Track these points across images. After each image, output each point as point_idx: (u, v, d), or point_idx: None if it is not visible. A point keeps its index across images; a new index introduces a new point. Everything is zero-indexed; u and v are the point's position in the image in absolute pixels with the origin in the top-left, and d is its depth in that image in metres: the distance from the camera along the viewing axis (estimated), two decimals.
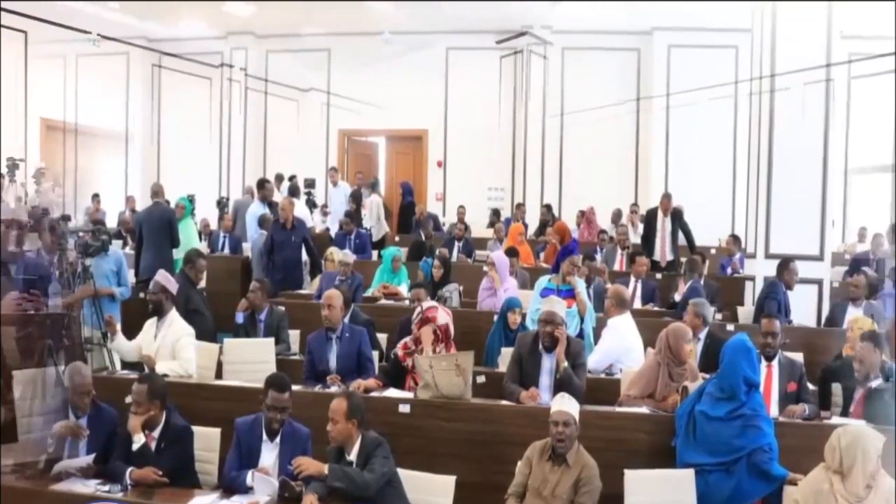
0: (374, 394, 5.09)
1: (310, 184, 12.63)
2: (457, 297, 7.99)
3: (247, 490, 4.00)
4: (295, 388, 4.47)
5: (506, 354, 5.78)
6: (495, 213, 12.83)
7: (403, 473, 4.08)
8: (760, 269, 8.41)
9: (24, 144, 12.80)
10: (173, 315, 5.72)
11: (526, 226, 11.88)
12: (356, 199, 11.44)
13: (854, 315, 6.86)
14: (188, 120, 14.78)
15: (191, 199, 10.45)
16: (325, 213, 12.50)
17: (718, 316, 7.67)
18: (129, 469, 4.06)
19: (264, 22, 13.54)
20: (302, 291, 8.80)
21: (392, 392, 5.20)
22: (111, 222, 12.12)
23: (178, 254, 8.30)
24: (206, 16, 13.37)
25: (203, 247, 10.72)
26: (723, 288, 8.65)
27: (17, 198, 9.48)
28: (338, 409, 4.01)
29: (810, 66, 8.05)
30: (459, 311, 6.89)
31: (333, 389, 5.11)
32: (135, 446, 4.17)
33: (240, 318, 6.78)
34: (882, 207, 12.33)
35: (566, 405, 4.22)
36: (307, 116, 14.69)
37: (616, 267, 9.91)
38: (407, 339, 5.55)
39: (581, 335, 6.25)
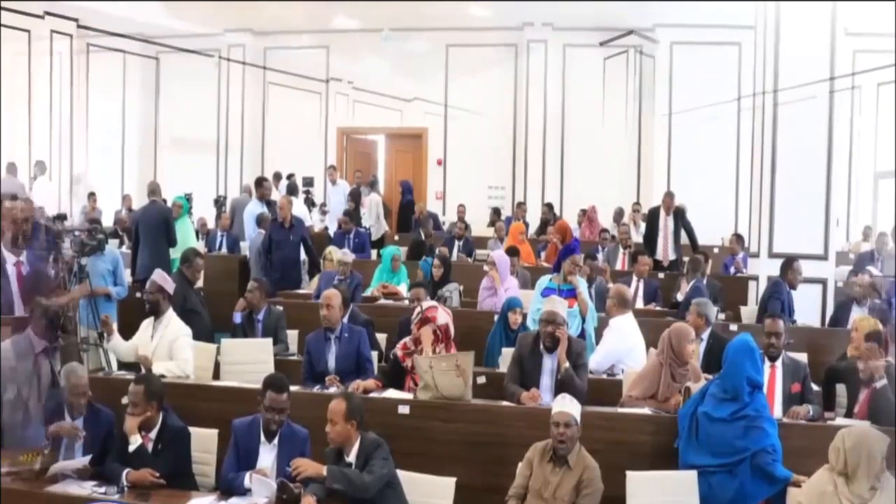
0: (373, 395, 5.07)
1: (308, 182, 12.59)
2: (457, 296, 7.95)
3: (245, 492, 3.98)
4: (293, 388, 4.45)
5: (506, 355, 5.74)
6: (496, 212, 12.78)
7: (403, 475, 4.07)
8: (764, 269, 8.39)
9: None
10: (170, 315, 5.70)
11: (527, 225, 11.82)
12: (355, 197, 11.38)
13: (859, 315, 6.80)
14: (186, 118, 14.72)
15: (188, 198, 10.40)
16: (323, 212, 12.44)
17: (721, 316, 7.62)
18: (126, 471, 4.06)
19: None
20: (300, 291, 8.76)
21: (391, 393, 5.17)
22: (107, 221, 12.07)
23: (175, 253, 8.26)
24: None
25: (200, 246, 10.66)
26: (726, 287, 8.60)
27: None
28: (336, 410, 4.00)
29: (814, 65, 8.01)
30: (459, 311, 6.85)
31: (332, 390, 5.08)
32: (131, 448, 4.17)
33: (237, 317, 6.73)
34: (887, 206, 12.28)
35: (567, 406, 4.20)
36: (306, 114, 14.62)
37: (618, 266, 9.85)
38: (406, 339, 5.52)
39: (582, 335, 6.21)
